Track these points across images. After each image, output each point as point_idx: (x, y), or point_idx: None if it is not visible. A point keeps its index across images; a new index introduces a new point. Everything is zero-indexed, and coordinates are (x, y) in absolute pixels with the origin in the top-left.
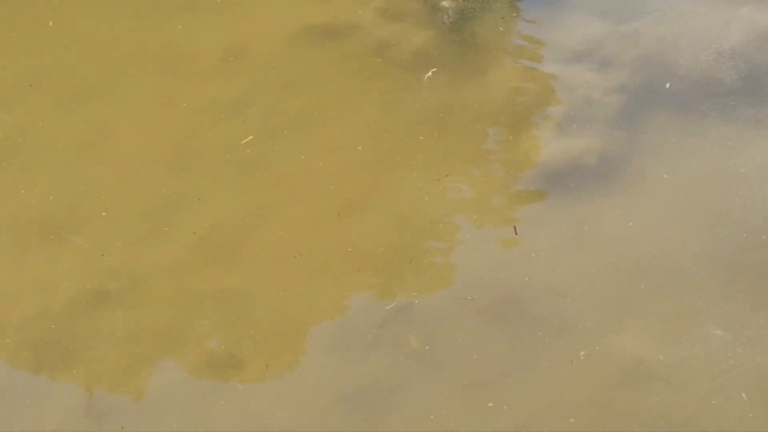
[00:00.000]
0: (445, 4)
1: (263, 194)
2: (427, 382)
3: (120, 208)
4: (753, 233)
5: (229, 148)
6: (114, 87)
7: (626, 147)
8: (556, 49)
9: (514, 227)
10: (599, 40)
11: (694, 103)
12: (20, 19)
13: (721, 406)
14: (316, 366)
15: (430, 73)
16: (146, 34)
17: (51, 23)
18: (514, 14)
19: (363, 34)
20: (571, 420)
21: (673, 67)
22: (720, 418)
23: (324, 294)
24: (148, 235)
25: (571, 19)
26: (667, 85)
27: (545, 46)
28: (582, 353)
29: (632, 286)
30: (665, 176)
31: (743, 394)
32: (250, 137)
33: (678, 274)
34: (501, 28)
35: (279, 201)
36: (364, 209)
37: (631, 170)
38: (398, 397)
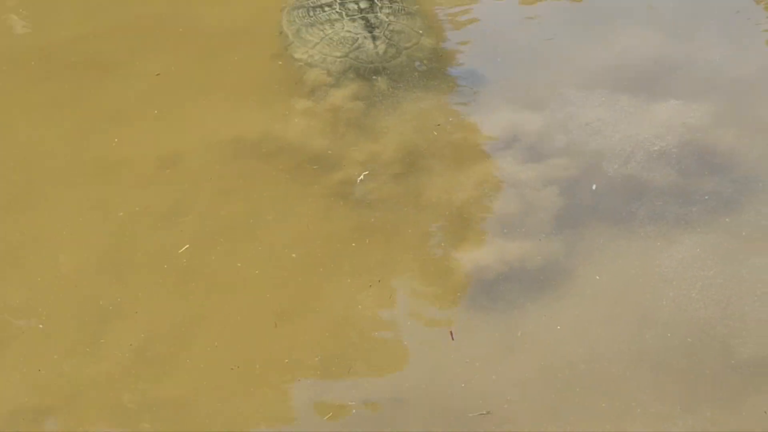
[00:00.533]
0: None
1: (200, 304)
2: None
3: (56, 320)
4: (680, 335)
5: (166, 257)
6: (48, 196)
7: (557, 249)
8: (489, 150)
9: (451, 333)
10: (532, 139)
11: (623, 204)
12: None
13: None
14: None
15: (362, 176)
16: (81, 143)
17: None
18: (451, 118)
19: (296, 142)
20: None
21: (601, 168)
22: None
23: (261, 405)
24: (84, 347)
25: (503, 121)
26: (594, 187)
27: (478, 149)
28: None
29: (565, 390)
30: (597, 278)
31: None
32: (187, 246)
33: (608, 376)
34: (435, 133)
35: (215, 311)
36: (299, 318)
37: (562, 272)
38: None
